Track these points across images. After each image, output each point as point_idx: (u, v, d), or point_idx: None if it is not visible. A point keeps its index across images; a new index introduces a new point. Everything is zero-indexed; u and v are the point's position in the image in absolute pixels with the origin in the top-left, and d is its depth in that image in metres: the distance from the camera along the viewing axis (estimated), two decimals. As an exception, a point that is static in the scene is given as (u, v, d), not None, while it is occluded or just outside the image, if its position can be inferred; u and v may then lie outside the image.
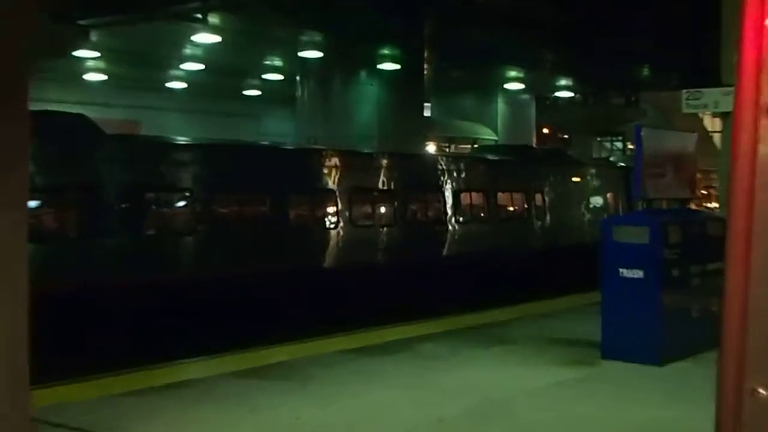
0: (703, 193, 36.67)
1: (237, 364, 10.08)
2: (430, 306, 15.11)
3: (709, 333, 8.55)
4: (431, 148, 33.53)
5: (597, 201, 24.22)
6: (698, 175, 13.91)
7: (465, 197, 19.68)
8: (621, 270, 10.13)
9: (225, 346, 10.93)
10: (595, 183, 24.39)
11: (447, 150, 34.54)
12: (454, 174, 19.40)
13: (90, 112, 31.63)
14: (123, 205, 13.32)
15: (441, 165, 19.63)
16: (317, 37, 25.33)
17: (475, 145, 34.59)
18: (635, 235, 10.18)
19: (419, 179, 18.88)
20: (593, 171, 24.86)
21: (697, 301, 10.57)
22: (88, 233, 12.84)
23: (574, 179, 23.48)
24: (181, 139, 16.25)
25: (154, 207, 14.53)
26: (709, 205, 38.83)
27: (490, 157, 22.71)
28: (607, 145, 54.88)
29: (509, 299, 15.73)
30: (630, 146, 50.85)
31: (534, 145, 35.93)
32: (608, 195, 24.75)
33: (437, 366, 10.08)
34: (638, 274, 10.03)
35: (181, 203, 14.74)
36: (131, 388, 8.91)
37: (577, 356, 10.56)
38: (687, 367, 9.87)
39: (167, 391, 8.84)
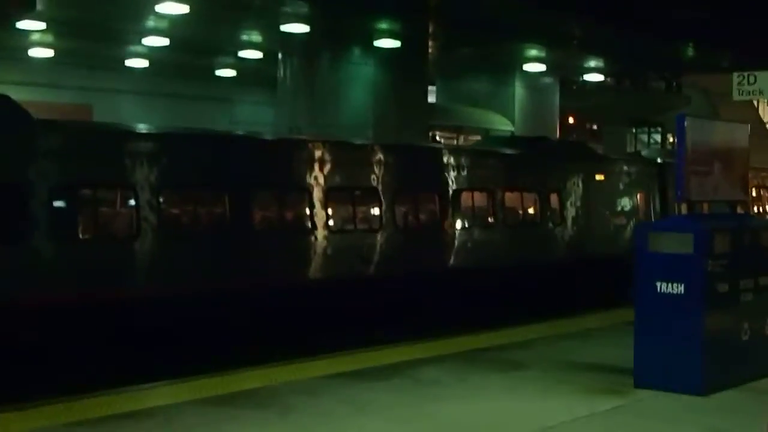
0: (755, 195, 36.67)
1: (206, 390, 10.09)
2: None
3: (762, 358, 8.55)
4: (435, 139, 33.53)
5: (624, 203, 23.97)
6: (750, 174, 13.92)
7: (452, 198, 18.90)
8: (658, 284, 10.15)
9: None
10: (623, 182, 24.16)
11: (454, 142, 34.56)
12: (444, 169, 18.79)
13: (35, 95, 31.88)
14: (46, 206, 13.07)
15: (427, 158, 19.11)
16: (302, 8, 25.33)
17: (476, 137, 34.61)
18: (676, 243, 10.20)
19: (402, 175, 17.94)
20: (620, 168, 24.51)
21: (748, 321, 10.59)
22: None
23: (597, 177, 23.28)
24: (127, 127, 16.06)
25: (85, 208, 14.12)
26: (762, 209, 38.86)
27: (490, 150, 22.27)
28: (644, 137, 54.98)
29: (523, 318, 15.75)
30: (671, 139, 51.02)
31: (554, 137, 35.79)
32: (638, 196, 24.56)
33: (440, 395, 10.08)
34: (679, 289, 10.06)
35: (125, 204, 14.34)
36: (83, 416, 8.90)
37: (607, 384, 10.57)
38: (735, 397, 9.89)
39: (121, 421, 8.83)
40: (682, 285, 10.04)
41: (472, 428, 8.70)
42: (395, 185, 17.48)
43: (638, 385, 10.24)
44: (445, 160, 19.03)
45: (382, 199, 17.30)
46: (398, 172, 17.66)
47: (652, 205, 24.63)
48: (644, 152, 29.39)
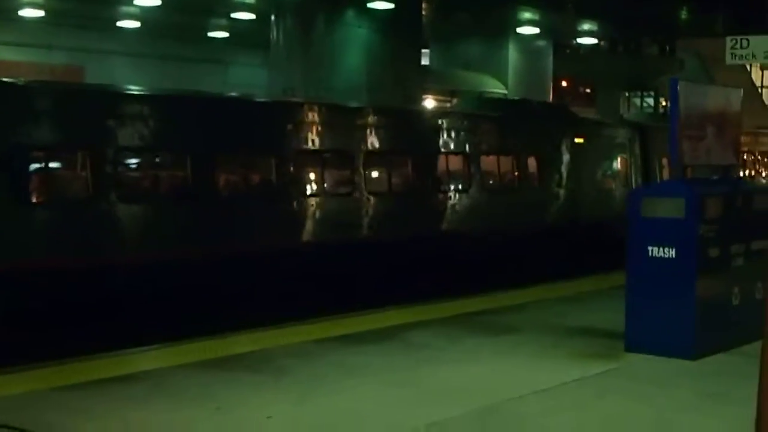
0: (746, 159, 36.73)
1: (197, 354, 10.10)
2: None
3: (752, 323, 8.59)
4: (429, 102, 33.41)
5: (604, 168, 23.47)
6: (743, 138, 13.91)
7: (423, 162, 18.35)
8: (650, 248, 10.16)
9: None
10: (604, 146, 23.52)
11: (448, 105, 34.42)
12: (413, 132, 18.24)
13: (27, 55, 31.62)
14: None
15: (393, 121, 18.15)
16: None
17: (455, 100, 34.39)
18: (668, 208, 10.20)
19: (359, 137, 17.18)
20: (601, 131, 23.99)
21: (739, 285, 10.62)
22: None
23: (577, 141, 22.56)
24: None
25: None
26: (755, 173, 38.94)
27: (463, 111, 21.54)
28: (637, 101, 54.91)
29: (511, 283, 15.76)
30: (664, 103, 50.96)
31: (535, 99, 35.38)
32: (619, 160, 23.98)
33: (432, 358, 10.11)
34: (670, 253, 10.07)
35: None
36: (70, 381, 8.91)
37: (598, 348, 10.61)
38: (725, 361, 9.93)
39: (113, 384, 8.84)
40: (674, 249, 10.05)
41: (465, 391, 8.73)
42: (360, 148, 16.80)
43: (629, 349, 10.28)
44: (413, 122, 18.50)
45: (350, 162, 16.64)
46: (363, 134, 16.97)
47: (633, 169, 24.22)
48: (627, 115, 29.03)
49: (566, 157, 21.87)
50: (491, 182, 20.09)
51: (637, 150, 24.33)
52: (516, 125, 20.81)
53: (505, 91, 36.67)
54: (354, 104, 19.44)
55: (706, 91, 11.60)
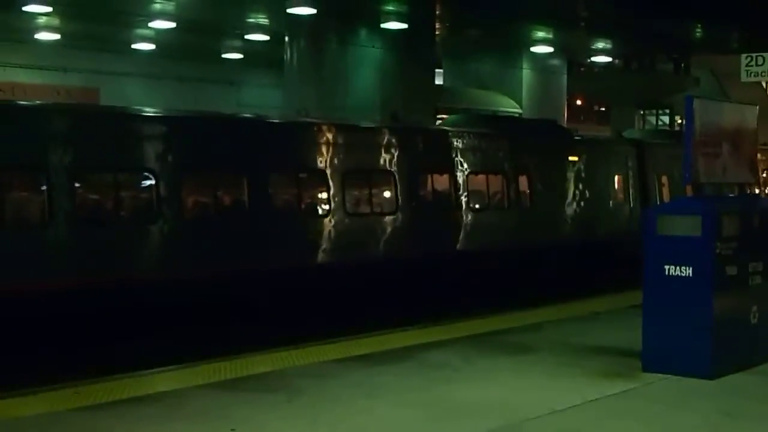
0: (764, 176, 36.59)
1: (213, 375, 10.11)
2: None
3: (771, 341, 8.51)
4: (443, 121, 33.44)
5: (599, 186, 22.59)
6: (760, 155, 13.88)
7: (406, 181, 17.74)
8: (667, 267, 10.12)
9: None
10: (599, 163, 22.67)
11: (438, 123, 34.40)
12: (397, 151, 17.61)
13: (43, 77, 31.84)
14: None
15: (376, 140, 17.64)
16: (309, -10, 25.24)
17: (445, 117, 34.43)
18: (684, 226, 10.17)
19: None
20: (596, 148, 23.18)
21: (757, 304, 10.57)
22: None
23: (570, 158, 21.76)
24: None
25: None
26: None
27: (450, 129, 20.47)
28: (652, 119, 54.80)
29: (534, 302, 15.74)
30: (679, 120, 50.85)
31: (527, 116, 34.93)
32: (616, 179, 23.15)
33: (449, 378, 10.09)
34: (687, 272, 10.03)
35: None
36: (88, 402, 8.93)
37: (614, 368, 10.57)
38: (743, 381, 9.88)
39: (130, 405, 8.86)
40: (691, 268, 10.01)
41: (481, 411, 8.71)
42: (343, 167, 16.51)
43: (647, 368, 10.24)
44: (396, 141, 17.77)
45: (330, 181, 16.35)
46: (348, 153, 16.73)
47: (630, 188, 23.53)
48: (626, 133, 28.36)
49: (558, 176, 21.31)
50: (473, 202, 19.28)
51: (635, 168, 23.72)
52: (503, 142, 20.16)
53: (520, 110, 36.70)
54: (352, 124, 19.07)
55: (721, 109, 11.59)
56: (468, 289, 17.52)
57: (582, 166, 22.03)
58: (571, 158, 21.80)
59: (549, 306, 15.39)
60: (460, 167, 18.95)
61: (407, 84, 27.14)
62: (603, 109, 52.52)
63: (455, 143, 19.22)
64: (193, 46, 34.04)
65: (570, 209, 21.53)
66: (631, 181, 23.54)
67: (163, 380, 9.99)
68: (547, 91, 37.99)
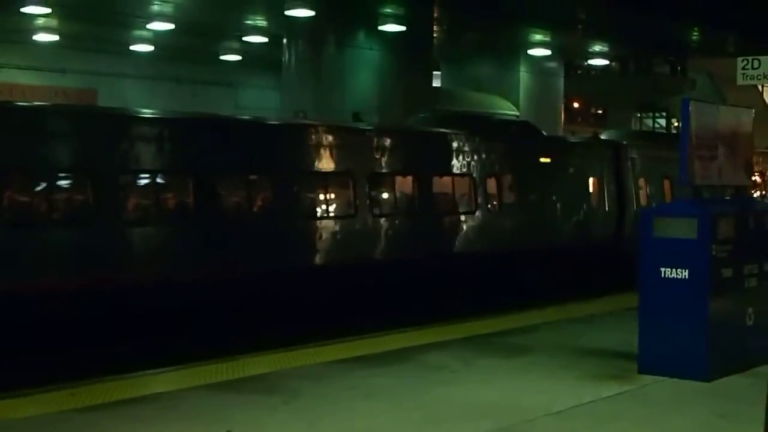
0: (757, 179, 36.65)
1: (209, 376, 10.11)
2: None
3: (766, 344, 8.54)
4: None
5: (573, 189, 21.84)
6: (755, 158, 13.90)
7: (365, 182, 16.97)
8: (663, 269, 10.14)
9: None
10: (573, 166, 21.96)
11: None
12: (355, 151, 16.92)
13: (41, 79, 31.81)
14: None
15: (331, 139, 16.70)
16: (307, -8, 25.28)
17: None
18: (680, 228, 10.19)
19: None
20: (570, 150, 22.48)
21: (753, 306, 10.59)
22: None
23: (542, 160, 20.98)
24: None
25: None
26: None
27: (412, 129, 19.97)
28: (649, 122, 54.87)
29: (532, 303, 15.75)
30: (676, 123, 50.90)
31: (504, 116, 33.86)
32: (591, 181, 22.43)
33: (446, 380, 10.10)
34: (683, 274, 10.05)
35: None
36: (86, 403, 8.94)
37: (611, 370, 10.58)
38: (739, 383, 9.89)
39: (128, 406, 8.86)
40: (687, 270, 10.03)
41: (478, 413, 8.72)
42: (287, 167, 15.73)
43: (642, 370, 10.25)
44: (354, 140, 17.06)
45: (284, 184, 15.66)
46: (296, 153, 16.01)
47: (606, 191, 22.76)
48: (604, 134, 27.69)
49: (528, 178, 20.53)
50: (438, 205, 18.63)
51: (611, 170, 22.97)
52: (471, 143, 19.23)
53: (517, 112, 36.72)
54: (304, 123, 18.19)
55: (717, 112, 11.60)
56: (429, 295, 16.85)
57: (554, 168, 21.37)
58: (542, 160, 21.09)
59: (548, 307, 15.40)
60: (420, 168, 18.09)
61: (405, 86, 27.16)
62: (600, 111, 52.56)
63: (415, 143, 18.49)
64: (192, 47, 34.04)
65: (540, 212, 20.77)
66: (606, 184, 22.86)
67: (161, 381, 9.99)
68: (545, 94, 38.02)
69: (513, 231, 19.83)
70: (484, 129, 20.32)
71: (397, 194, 18.04)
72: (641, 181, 23.89)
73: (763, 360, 10.51)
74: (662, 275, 10.15)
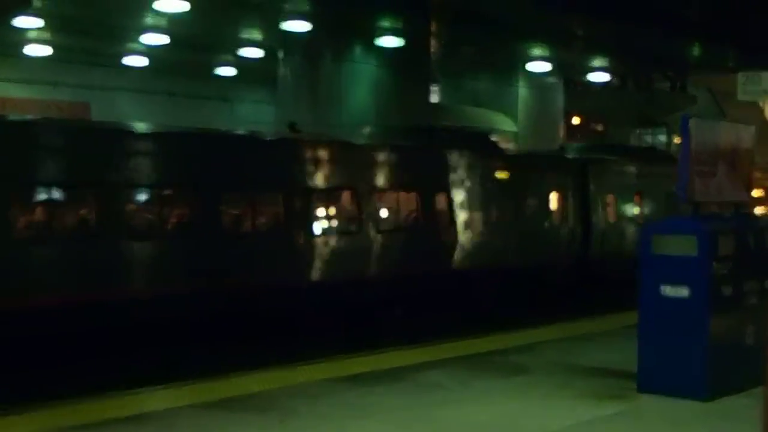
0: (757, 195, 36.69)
1: (204, 395, 10.12)
2: None
3: (765, 362, 8.55)
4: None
5: (532, 206, 21.17)
6: (757, 174, 13.95)
7: (306, 198, 16.51)
8: (662, 287, 10.17)
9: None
10: (533, 182, 21.22)
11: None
12: (293, 165, 16.50)
13: (33, 92, 31.83)
14: None
15: (268, 152, 16.51)
16: (304, 6, 25.35)
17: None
18: (680, 245, 10.23)
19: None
20: (530, 165, 21.56)
21: (753, 324, 10.60)
22: None
23: (499, 176, 20.17)
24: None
25: None
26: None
27: (353, 143, 19.37)
28: (648, 138, 54.97)
29: (531, 321, 15.75)
30: (676, 140, 51.00)
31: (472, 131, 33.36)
32: (553, 198, 21.71)
33: (441, 399, 10.12)
34: (683, 292, 10.08)
35: None
36: (79, 421, 8.94)
37: (610, 389, 10.60)
38: (738, 403, 9.90)
39: (121, 425, 8.87)
40: (687, 288, 10.06)
41: (474, 432, 8.74)
42: (229, 181, 15.33)
43: (642, 389, 10.28)
44: (293, 153, 16.53)
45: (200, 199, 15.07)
46: (238, 166, 15.51)
47: (569, 207, 22.09)
48: (570, 148, 26.59)
49: (482, 194, 19.70)
50: (379, 222, 17.88)
51: (576, 186, 22.30)
52: (419, 157, 18.73)
53: (515, 128, 36.79)
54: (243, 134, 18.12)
55: (717, 128, 11.66)
56: (361, 322, 16.39)
57: (511, 184, 20.53)
58: (499, 175, 20.29)
59: (545, 326, 15.41)
60: (362, 183, 17.49)
61: (402, 101, 27.21)
62: (600, 127, 52.61)
63: (357, 157, 17.87)
64: (186, 61, 34.09)
65: (496, 231, 19.93)
66: (570, 200, 22.12)
67: (155, 399, 10.01)
68: (544, 109, 38.08)
69: (462, 250, 19.04)
70: (432, 141, 19.77)
71: (330, 210, 17.28)
72: (609, 197, 23.23)
73: (762, 380, 10.53)
74: (662, 293, 10.18)
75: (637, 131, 53.80)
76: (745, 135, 11.83)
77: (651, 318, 10.32)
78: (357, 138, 20.41)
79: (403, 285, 17.59)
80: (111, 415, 9.19)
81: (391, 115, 26.29)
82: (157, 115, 29.81)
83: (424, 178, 18.64)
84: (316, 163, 16.83)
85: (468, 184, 19.48)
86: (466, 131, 24.04)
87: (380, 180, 17.99)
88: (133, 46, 31.34)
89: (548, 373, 11.59)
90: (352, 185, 17.45)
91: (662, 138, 54.38)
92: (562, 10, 25.98)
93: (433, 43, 29.99)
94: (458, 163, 19.45)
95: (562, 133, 39.38)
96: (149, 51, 31.99)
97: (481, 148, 20.87)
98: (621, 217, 23.70)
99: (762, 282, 10.85)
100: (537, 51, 34.06)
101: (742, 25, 26.95)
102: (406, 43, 27.19)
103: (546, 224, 21.54)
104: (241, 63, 34.44)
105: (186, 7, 24.14)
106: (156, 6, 24.45)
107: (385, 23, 26.95)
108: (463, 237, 19.15)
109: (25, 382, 11.94)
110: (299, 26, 26.20)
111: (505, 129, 36.68)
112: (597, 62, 37.48)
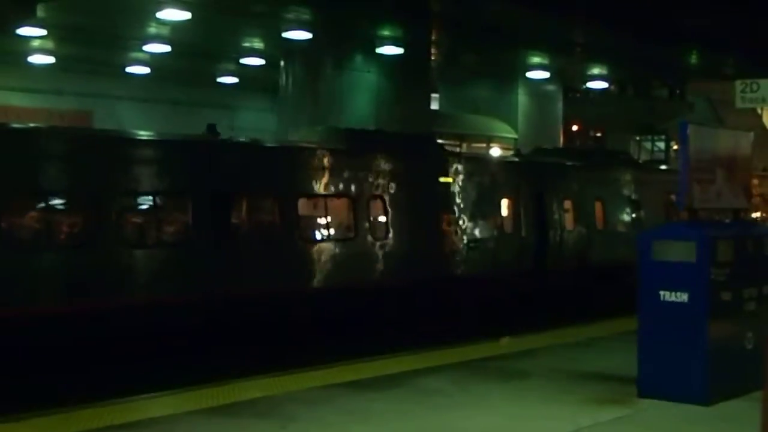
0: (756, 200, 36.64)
1: (204, 401, 10.07)
2: None
3: (765, 367, 8.50)
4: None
5: (478, 212, 19.55)
6: (755, 180, 13.92)
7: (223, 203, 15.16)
8: (662, 293, 10.14)
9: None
10: (481, 186, 19.67)
11: (458, 149, 34.54)
12: (211, 168, 15.17)
13: (37, 101, 31.88)
14: None
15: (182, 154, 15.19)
16: (305, 15, 25.37)
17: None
18: (679, 251, 10.19)
19: None
20: (477, 169, 20.04)
21: (752, 329, 10.57)
22: None
23: (442, 180, 18.85)
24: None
25: None
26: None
27: (274, 145, 18.37)
28: (648, 145, 55.00)
29: (531, 326, 15.69)
30: (675, 146, 51.02)
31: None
32: (504, 204, 20.31)
33: (442, 405, 10.07)
34: (682, 297, 10.05)
35: None
36: (77, 428, 8.90)
37: (610, 394, 10.55)
38: (738, 407, 9.85)
39: (124, 431, 8.82)
40: (686, 294, 10.03)
41: (474, 438, 8.69)
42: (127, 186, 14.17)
43: (642, 394, 10.23)
44: (210, 156, 15.27)
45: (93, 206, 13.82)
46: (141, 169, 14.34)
47: (522, 214, 20.53)
48: (525, 151, 25.53)
49: (422, 200, 18.35)
50: (312, 231, 16.73)
51: (532, 192, 20.83)
52: (354, 160, 17.34)
53: (515, 135, 36.82)
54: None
55: (716, 135, 11.64)
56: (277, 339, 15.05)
57: (456, 189, 19.14)
58: (442, 180, 18.91)
59: (545, 332, 15.37)
60: (287, 188, 16.18)
61: (403, 109, 27.22)
62: (599, 134, 52.65)
63: (285, 160, 16.51)
64: (188, 69, 34.14)
65: (436, 239, 18.59)
66: (523, 207, 20.60)
67: (155, 406, 9.95)
68: (543, 117, 38.15)
69: (396, 261, 17.62)
70: (366, 144, 18.25)
71: (247, 217, 16.18)
72: (567, 203, 21.83)
73: (762, 384, 10.49)
74: (661, 298, 10.15)
75: (636, 138, 53.85)
76: (743, 142, 11.81)
77: (651, 323, 10.28)
78: (285, 141, 19.47)
79: (331, 300, 16.28)
80: (110, 421, 9.14)
81: (391, 123, 26.31)
82: (159, 124, 29.81)
83: (353, 184, 17.08)
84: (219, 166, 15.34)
85: (407, 189, 18.03)
86: (410, 134, 22.17)
87: (294, 185, 16.57)
88: (136, 55, 31.41)
89: (548, 378, 11.54)
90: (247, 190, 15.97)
91: (661, 145, 54.43)
92: (562, 19, 26.00)
93: (434, 52, 30.04)
94: (393, 167, 17.93)
95: (561, 139, 39.44)
96: (152, 60, 32.07)
97: (422, 151, 19.39)
98: (582, 224, 22.23)
99: (761, 287, 10.81)
100: (536, 59, 34.13)
101: (741, 34, 26.96)
102: (407, 51, 27.21)
103: (495, 233, 19.92)
104: (243, 71, 34.51)
105: (187, 16, 24.18)
106: (159, 15, 24.48)
107: (386, 32, 27.00)
108: (399, 246, 17.70)
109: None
110: (300, 35, 26.25)
111: (505, 136, 36.71)
112: (596, 70, 37.56)
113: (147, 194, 14.56)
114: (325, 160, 16.88)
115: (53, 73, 32.34)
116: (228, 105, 38.09)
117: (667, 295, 10.13)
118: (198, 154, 15.41)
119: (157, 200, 14.72)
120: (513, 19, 25.96)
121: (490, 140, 36.27)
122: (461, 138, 36.06)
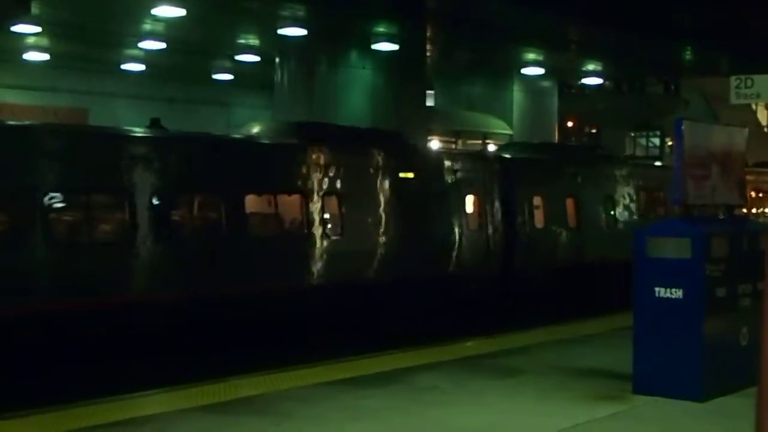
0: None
1: (200, 399, 10.06)
2: None
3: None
4: (435, 143, 33.55)
5: (442, 210, 18.70)
6: (749, 177, 13.93)
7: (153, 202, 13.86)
8: (657, 289, 10.14)
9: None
10: (445, 183, 18.79)
11: (453, 146, 34.53)
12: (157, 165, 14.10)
13: (31, 98, 31.84)
14: None
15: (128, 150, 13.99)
16: (300, 11, 25.34)
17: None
18: (674, 248, 10.20)
19: None
20: (442, 164, 19.06)
21: (747, 325, 10.57)
22: None
23: (403, 176, 17.91)
24: None
25: None
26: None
27: (222, 138, 17.51)
28: (642, 141, 55.07)
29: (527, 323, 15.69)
30: (669, 142, 51.07)
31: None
32: (470, 201, 19.46)
33: (438, 402, 10.06)
34: (677, 294, 10.05)
35: None
36: (72, 426, 8.88)
37: (605, 390, 10.55)
38: (733, 403, 9.87)
39: (116, 429, 8.80)
40: (681, 290, 10.03)
41: (469, 435, 8.69)
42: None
43: (637, 390, 10.23)
44: (158, 152, 14.21)
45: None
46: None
47: (488, 211, 19.66)
48: (496, 147, 24.87)
49: (381, 197, 17.38)
50: (248, 229, 15.45)
51: (499, 189, 19.91)
52: (308, 155, 16.23)
53: (510, 132, 36.81)
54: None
55: (710, 131, 11.64)
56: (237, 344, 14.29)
57: (418, 185, 18.27)
58: (402, 175, 17.97)
59: (539, 329, 15.37)
60: (234, 185, 15.11)
61: (398, 106, 27.21)
62: (594, 130, 52.72)
63: (232, 154, 15.62)
64: (184, 67, 34.11)
65: (395, 237, 17.48)
66: (489, 203, 19.76)
67: (152, 403, 9.93)
68: (538, 113, 38.14)
69: (350, 259, 16.65)
70: (322, 138, 17.01)
71: (192, 214, 15.41)
72: (536, 199, 20.88)
73: (757, 380, 10.50)
74: (656, 295, 10.15)
75: (632, 134, 53.91)
76: (737, 138, 11.81)
77: (646, 320, 10.28)
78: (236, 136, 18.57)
79: (284, 300, 15.46)
80: (106, 419, 9.12)
81: (386, 120, 26.29)
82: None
83: (302, 180, 16.06)
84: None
85: (364, 185, 17.21)
86: (372, 129, 21.15)
87: (261, 182, 15.81)
88: (131, 52, 31.37)
89: (543, 375, 11.54)
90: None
91: (656, 141, 54.50)
92: (557, 16, 25.99)
93: (429, 48, 30.02)
94: (348, 162, 16.90)
95: (556, 135, 39.45)
96: (147, 57, 32.02)
97: (383, 145, 18.04)
98: (552, 222, 21.21)
99: (755, 283, 10.81)
100: (531, 56, 34.12)
101: (735, 30, 26.96)
102: (402, 48, 27.19)
103: (455, 231, 18.80)
104: (238, 68, 34.49)
105: (182, 12, 24.15)
106: (154, 12, 24.45)
107: (381, 28, 26.97)
108: (353, 245, 16.78)
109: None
110: (295, 31, 26.23)
111: (501, 132, 36.69)
112: (591, 66, 37.56)
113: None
114: (274, 155, 16.18)
115: (48, 71, 32.30)
116: (223, 102, 38.09)
117: (662, 292, 10.13)
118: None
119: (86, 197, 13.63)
120: (508, 15, 25.94)
121: (485, 137, 36.20)
122: (456, 135, 36.06)
